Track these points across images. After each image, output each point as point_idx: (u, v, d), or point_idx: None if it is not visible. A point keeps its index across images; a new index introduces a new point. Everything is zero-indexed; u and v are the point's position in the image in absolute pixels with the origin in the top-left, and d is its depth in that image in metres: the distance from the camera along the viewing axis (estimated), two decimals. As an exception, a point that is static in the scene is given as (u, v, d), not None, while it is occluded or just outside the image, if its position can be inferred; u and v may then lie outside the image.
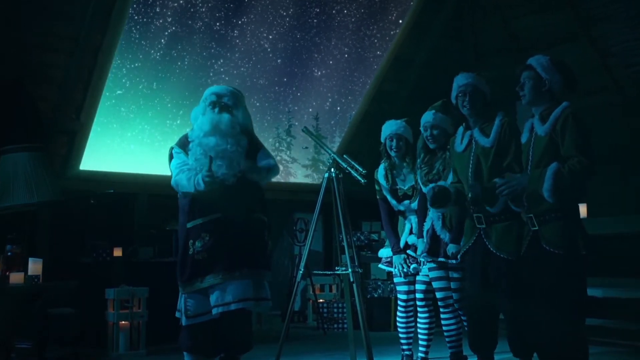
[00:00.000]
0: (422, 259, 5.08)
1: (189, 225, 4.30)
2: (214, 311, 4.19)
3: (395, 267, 5.28)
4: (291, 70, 8.77)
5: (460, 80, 4.48)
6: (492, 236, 4.28)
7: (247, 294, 4.19)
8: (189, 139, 4.37)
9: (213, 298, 4.19)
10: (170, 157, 4.48)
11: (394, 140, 5.26)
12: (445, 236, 4.89)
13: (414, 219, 5.23)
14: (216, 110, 4.34)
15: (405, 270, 5.21)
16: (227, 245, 4.22)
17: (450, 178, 4.69)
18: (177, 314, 4.40)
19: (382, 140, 5.35)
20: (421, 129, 5.06)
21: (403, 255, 5.23)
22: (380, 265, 5.56)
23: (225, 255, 4.20)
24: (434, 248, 4.94)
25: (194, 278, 4.25)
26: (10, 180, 5.55)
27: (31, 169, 5.59)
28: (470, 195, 4.27)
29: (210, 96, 4.40)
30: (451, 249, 4.79)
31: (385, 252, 5.47)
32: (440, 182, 4.60)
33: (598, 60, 8.26)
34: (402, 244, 5.26)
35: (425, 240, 4.98)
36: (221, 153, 4.24)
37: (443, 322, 5.12)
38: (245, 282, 4.20)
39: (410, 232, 5.25)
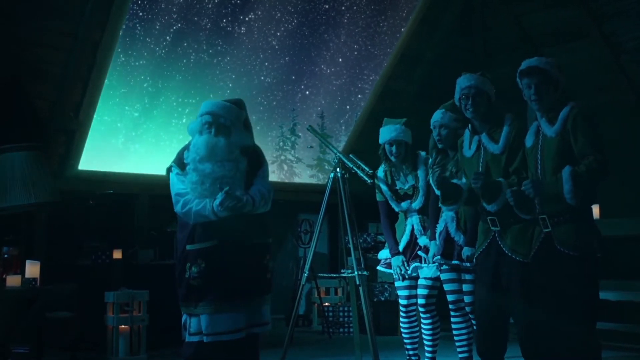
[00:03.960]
0: (433, 261, 4.97)
1: (188, 247, 4.18)
2: (205, 339, 4.08)
3: (393, 270, 5.20)
4: (299, 68, 8.74)
5: (462, 83, 4.37)
6: (507, 238, 4.21)
7: (239, 324, 4.09)
8: (186, 161, 4.18)
9: (204, 325, 4.08)
10: (169, 171, 4.29)
11: (394, 146, 5.17)
12: (459, 238, 4.79)
13: (415, 219, 5.16)
14: (212, 131, 4.15)
15: (402, 272, 5.13)
16: (221, 274, 4.09)
17: (464, 180, 4.60)
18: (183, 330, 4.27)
19: (381, 143, 5.26)
20: (431, 127, 4.95)
21: (401, 257, 5.15)
22: (379, 267, 5.48)
23: (220, 284, 4.08)
24: (448, 250, 4.84)
25: (189, 302, 4.15)
26: (7, 181, 5.48)
27: (29, 169, 5.54)
28: (472, 184, 4.21)
29: (205, 116, 4.20)
30: (466, 251, 4.69)
31: (385, 254, 5.39)
32: (453, 180, 4.53)
33: (611, 57, 8.20)
34: (402, 246, 5.17)
35: (438, 242, 4.89)
36: (219, 180, 4.08)
37: (453, 326, 5.03)
38: (238, 314, 4.10)
39: (412, 233, 5.17)
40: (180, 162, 4.22)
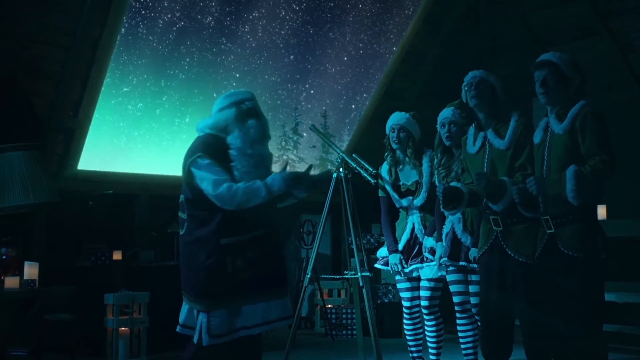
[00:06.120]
0: (440, 264, 4.91)
1: (225, 241, 3.88)
2: (257, 330, 3.91)
3: (390, 267, 5.17)
4: (304, 66, 8.70)
5: (468, 76, 4.46)
6: (511, 239, 4.19)
7: (287, 312, 4.00)
8: (232, 146, 3.90)
9: (258, 316, 3.90)
10: (190, 164, 3.91)
11: (395, 131, 5.14)
12: (466, 240, 4.75)
13: (416, 218, 5.12)
14: (261, 116, 4.06)
15: (399, 270, 5.08)
16: (269, 263, 3.97)
17: (467, 179, 4.57)
18: (181, 329, 4.09)
19: (387, 132, 5.24)
20: (438, 126, 4.94)
21: (399, 255, 5.11)
22: (376, 265, 5.44)
23: (269, 274, 3.95)
24: (455, 252, 4.79)
25: (232, 297, 3.88)
26: (5, 181, 5.41)
27: (27, 169, 5.47)
28: (475, 183, 4.21)
29: (249, 101, 4.04)
30: (473, 253, 4.63)
31: (384, 251, 5.35)
32: (453, 183, 4.51)
33: (618, 55, 8.12)
34: (402, 244, 5.13)
35: (444, 244, 4.84)
36: (270, 161, 4.03)
37: (459, 327, 4.99)
38: (285, 300, 4.01)
39: (412, 232, 5.13)
40: (212, 153, 3.88)
